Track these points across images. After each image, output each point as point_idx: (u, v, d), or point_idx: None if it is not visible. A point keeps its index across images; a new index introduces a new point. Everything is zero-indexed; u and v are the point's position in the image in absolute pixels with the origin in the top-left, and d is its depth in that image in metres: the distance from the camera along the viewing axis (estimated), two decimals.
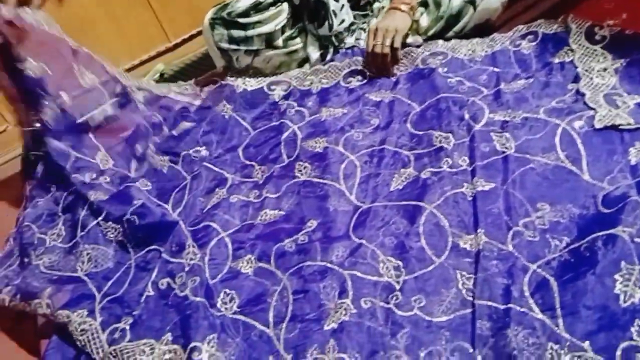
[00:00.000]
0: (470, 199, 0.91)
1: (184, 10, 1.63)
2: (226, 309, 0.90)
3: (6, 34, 1.05)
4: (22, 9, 1.08)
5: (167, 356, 0.85)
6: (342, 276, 0.87)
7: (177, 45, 1.67)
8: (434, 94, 1.12)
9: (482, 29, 1.26)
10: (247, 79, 1.35)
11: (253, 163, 1.16)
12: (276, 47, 1.32)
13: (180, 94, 1.36)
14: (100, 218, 1.07)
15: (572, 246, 0.79)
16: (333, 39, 1.32)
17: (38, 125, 1.14)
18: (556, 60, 1.10)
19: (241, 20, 1.28)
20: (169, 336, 0.87)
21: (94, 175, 1.14)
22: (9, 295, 1.02)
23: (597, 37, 1.07)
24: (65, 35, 1.16)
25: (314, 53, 1.34)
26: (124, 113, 1.22)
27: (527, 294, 0.76)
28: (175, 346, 0.86)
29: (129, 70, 1.62)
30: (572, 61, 1.07)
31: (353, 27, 1.33)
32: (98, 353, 0.89)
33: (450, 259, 0.85)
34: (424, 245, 0.87)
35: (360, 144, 1.10)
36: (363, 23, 1.35)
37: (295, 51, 1.34)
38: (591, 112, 0.95)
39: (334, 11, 1.27)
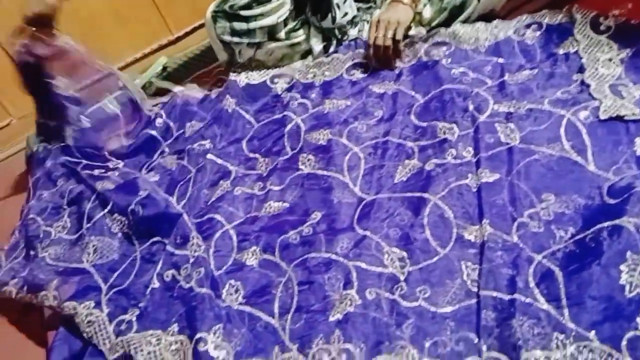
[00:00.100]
0: (474, 190, 0.91)
1: (186, 3, 1.63)
2: (232, 300, 0.90)
3: (40, 54, 1.17)
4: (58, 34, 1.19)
5: (173, 347, 0.86)
6: (347, 267, 0.87)
7: (179, 38, 1.67)
8: (437, 85, 1.12)
9: (486, 20, 1.25)
10: (250, 72, 1.34)
11: (257, 155, 1.16)
12: (279, 40, 1.31)
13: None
14: (106, 210, 1.08)
15: (577, 237, 0.79)
16: (336, 31, 1.31)
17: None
18: (561, 51, 1.09)
19: (243, 12, 1.27)
20: (175, 327, 0.88)
21: (103, 171, 1.17)
22: (16, 287, 1.03)
23: (602, 27, 1.06)
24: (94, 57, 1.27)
25: (317, 45, 1.34)
26: (135, 129, 1.30)
27: (532, 284, 0.76)
28: (181, 337, 0.86)
29: (132, 63, 1.62)
30: (577, 52, 1.07)
31: (356, 20, 1.33)
32: (105, 344, 0.89)
33: (455, 250, 0.85)
34: (428, 236, 0.88)
35: (364, 136, 1.09)
36: (366, 15, 1.34)
37: (298, 43, 1.34)
38: (596, 103, 0.95)
39: (337, 4, 1.26)
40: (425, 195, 0.93)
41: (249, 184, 1.10)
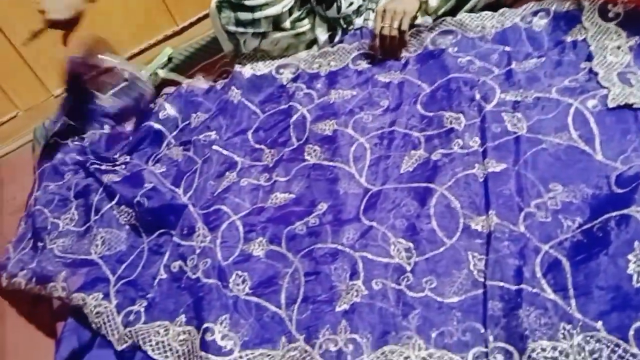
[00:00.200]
0: (481, 180, 0.90)
1: None
2: (239, 290, 0.91)
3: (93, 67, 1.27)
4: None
5: (181, 337, 0.87)
6: (353, 258, 0.87)
7: (184, 29, 1.66)
8: (444, 75, 1.11)
9: (493, 8, 1.23)
10: (255, 63, 1.34)
11: (262, 146, 1.16)
12: (284, 29, 1.30)
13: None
14: (113, 202, 1.09)
15: (584, 227, 0.78)
16: (341, 21, 1.30)
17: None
18: (569, 39, 1.08)
19: (248, 2, 1.26)
20: (182, 318, 0.89)
21: (111, 165, 1.18)
22: (25, 279, 1.04)
23: (611, 14, 1.05)
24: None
25: (322, 35, 1.33)
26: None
27: (539, 274, 0.76)
28: (189, 327, 0.87)
29: (137, 54, 1.62)
30: (584, 39, 1.05)
31: (361, 9, 1.32)
32: (113, 335, 0.90)
33: (461, 241, 0.85)
34: (434, 227, 0.87)
35: (370, 126, 1.09)
36: (371, 3, 1.33)
37: (303, 33, 1.33)
38: (604, 91, 0.94)
39: None
40: (432, 185, 0.92)
41: (255, 175, 1.10)
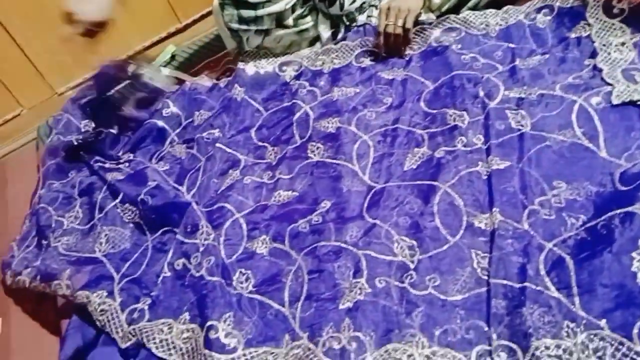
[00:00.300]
0: (485, 177, 0.90)
1: None
2: (242, 288, 0.91)
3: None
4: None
5: (185, 335, 0.87)
6: (357, 256, 0.87)
7: (187, 26, 1.66)
8: (447, 72, 1.10)
9: (496, 5, 1.23)
10: (258, 61, 1.34)
11: (266, 144, 1.16)
12: (286, 27, 1.30)
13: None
14: (117, 200, 1.09)
15: (588, 224, 0.78)
16: (344, 18, 1.30)
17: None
18: (573, 35, 1.07)
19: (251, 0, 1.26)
20: (186, 315, 0.89)
21: (115, 163, 1.19)
22: (29, 277, 1.04)
23: (615, 11, 1.04)
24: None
25: (325, 32, 1.33)
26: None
27: (542, 272, 0.76)
28: (192, 325, 0.87)
29: (140, 52, 1.61)
30: (589, 36, 1.05)
31: (364, 5, 1.31)
32: (117, 332, 0.91)
33: (465, 238, 0.84)
34: (438, 224, 0.87)
35: (373, 124, 1.09)
36: (374, 0, 1.33)
37: (306, 30, 1.33)
38: (609, 88, 0.93)
39: None
40: (435, 183, 0.92)
41: (258, 172, 1.10)
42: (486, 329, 0.74)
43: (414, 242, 0.86)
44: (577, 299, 0.72)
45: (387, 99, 1.13)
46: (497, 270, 0.78)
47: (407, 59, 1.20)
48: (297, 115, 1.17)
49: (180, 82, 1.41)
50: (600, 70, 0.97)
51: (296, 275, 0.90)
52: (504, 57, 1.09)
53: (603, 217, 0.77)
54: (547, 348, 0.68)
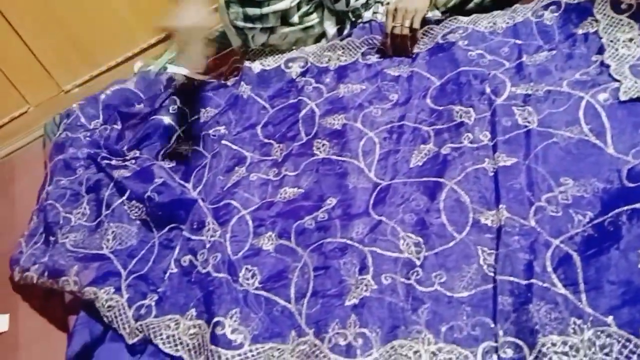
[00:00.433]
0: (491, 174, 0.90)
1: None
2: (248, 284, 0.91)
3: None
4: None
5: (191, 331, 0.87)
6: (363, 252, 0.87)
7: None
8: (454, 68, 1.10)
9: (503, 0, 1.22)
10: (264, 58, 1.34)
11: (272, 141, 1.16)
12: (292, 24, 1.30)
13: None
14: (124, 197, 1.10)
15: (595, 221, 0.78)
16: (350, 14, 1.30)
17: None
18: (580, 31, 1.07)
19: None
20: (193, 312, 0.89)
21: (121, 160, 1.19)
22: (37, 273, 1.05)
23: (623, 6, 1.03)
24: None
25: (331, 28, 1.33)
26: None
27: (549, 269, 0.76)
28: (199, 321, 0.88)
29: (146, 49, 1.62)
30: (596, 32, 1.04)
31: (370, 1, 1.31)
32: (125, 329, 0.91)
33: (471, 235, 0.84)
34: (444, 221, 0.87)
35: (379, 120, 1.09)
36: None
37: (311, 27, 1.33)
38: (616, 84, 0.93)
39: None
40: (441, 179, 0.92)
41: (264, 169, 1.11)
42: (492, 325, 0.74)
43: (420, 239, 0.86)
44: (583, 296, 0.71)
45: (393, 95, 1.12)
46: (504, 267, 0.78)
47: (413, 57, 1.20)
48: (303, 112, 1.17)
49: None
50: (608, 67, 0.97)
51: (302, 271, 0.90)
52: (510, 53, 1.09)
53: (610, 214, 0.77)
54: (554, 344, 0.68)
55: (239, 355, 0.81)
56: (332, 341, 0.78)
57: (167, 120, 1.28)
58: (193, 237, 0.99)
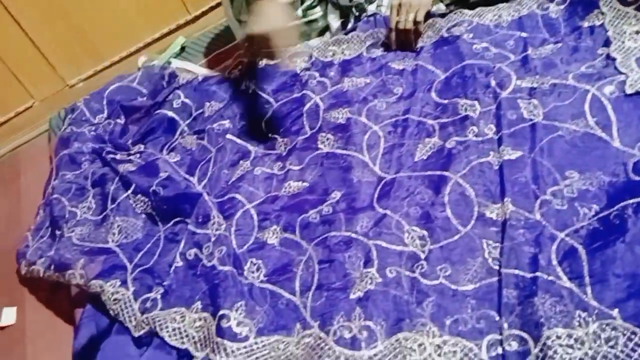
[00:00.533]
0: (496, 167, 0.90)
1: None
2: (253, 278, 0.91)
3: None
4: None
5: (197, 324, 0.88)
6: (367, 246, 0.88)
7: (197, 18, 1.66)
8: (459, 61, 1.09)
9: None
10: None
11: (276, 135, 1.16)
12: (296, 18, 1.30)
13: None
14: (129, 191, 1.10)
15: (601, 214, 0.78)
16: (353, 8, 1.29)
17: None
18: (586, 24, 1.06)
19: None
20: (198, 304, 0.90)
21: (125, 154, 1.19)
22: (43, 266, 1.06)
23: None
24: None
25: (335, 22, 1.32)
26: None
27: (554, 262, 0.75)
28: (205, 314, 0.88)
29: (150, 43, 1.62)
30: (602, 24, 1.03)
31: None
32: (131, 321, 0.92)
33: (476, 229, 0.84)
34: (449, 215, 0.87)
35: (383, 114, 1.08)
36: None
37: (315, 20, 1.32)
38: (622, 77, 0.92)
39: None
40: (446, 173, 0.92)
41: (269, 163, 1.11)
42: (497, 318, 0.74)
43: (425, 232, 0.86)
44: (589, 289, 0.71)
45: (397, 89, 1.12)
46: (509, 260, 0.78)
47: (418, 49, 1.19)
48: (307, 106, 1.17)
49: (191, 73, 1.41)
50: (614, 59, 0.96)
51: (307, 265, 0.90)
52: (515, 46, 1.08)
53: (616, 207, 0.77)
54: (559, 337, 0.68)
55: (245, 347, 0.82)
56: (337, 334, 0.79)
57: (171, 114, 1.28)
58: (198, 231, 1.00)
